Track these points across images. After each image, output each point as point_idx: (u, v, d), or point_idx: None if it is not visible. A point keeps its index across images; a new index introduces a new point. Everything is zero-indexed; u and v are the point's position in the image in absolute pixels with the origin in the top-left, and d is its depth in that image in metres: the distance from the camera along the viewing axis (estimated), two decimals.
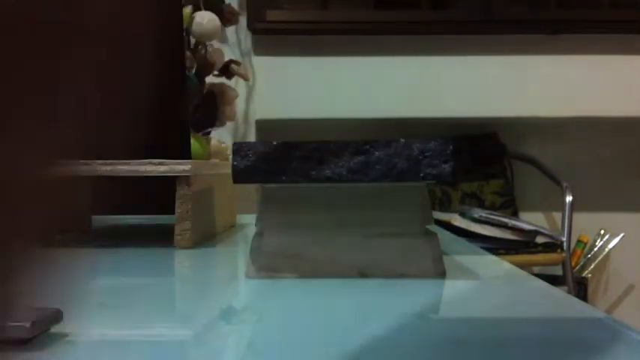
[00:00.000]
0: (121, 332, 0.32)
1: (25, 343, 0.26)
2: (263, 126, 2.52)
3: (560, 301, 0.43)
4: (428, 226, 0.48)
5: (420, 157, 0.45)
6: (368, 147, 0.45)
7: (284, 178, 0.45)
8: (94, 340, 0.30)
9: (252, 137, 2.51)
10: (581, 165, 2.42)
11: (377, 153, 0.45)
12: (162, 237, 0.72)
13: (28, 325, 0.26)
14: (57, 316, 0.28)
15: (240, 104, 2.19)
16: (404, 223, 0.47)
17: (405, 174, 0.45)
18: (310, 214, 0.47)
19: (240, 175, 0.45)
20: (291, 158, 0.45)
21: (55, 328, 0.29)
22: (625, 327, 0.32)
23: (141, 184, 0.95)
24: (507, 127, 2.42)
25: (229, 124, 2.23)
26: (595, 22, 2.41)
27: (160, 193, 1.13)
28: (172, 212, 0.98)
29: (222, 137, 2.09)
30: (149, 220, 0.89)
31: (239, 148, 0.46)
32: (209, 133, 1.85)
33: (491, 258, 0.58)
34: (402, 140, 0.45)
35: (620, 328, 0.32)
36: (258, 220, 0.47)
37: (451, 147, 0.45)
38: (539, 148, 2.42)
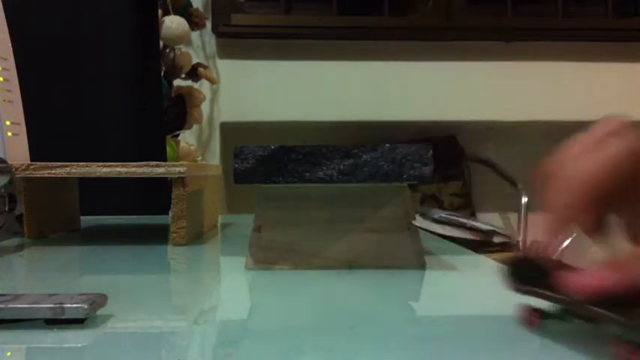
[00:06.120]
0: (155, 317, 0.36)
1: (81, 322, 0.30)
2: (227, 128, 2.55)
3: None
4: (410, 223, 0.52)
5: (403, 161, 0.50)
6: (356, 151, 0.50)
7: (281, 179, 0.50)
8: (138, 322, 0.34)
9: (216, 140, 2.53)
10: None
11: (364, 156, 0.50)
12: (153, 235, 0.75)
13: (86, 306, 0.30)
14: (104, 300, 0.32)
15: (204, 107, 2.21)
16: (388, 220, 0.52)
17: (389, 175, 0.50)
18: (304, 212, 0.51)
19: (241, 177, 0.50)
20: (287, 161, 0.50)
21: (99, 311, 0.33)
22: None
23: (117, 186, 0.97)
24: (465, 130, 2.50)
25: (194, 127, 2.25)
26: (548, 31, 2.52)
27: (137, 195, 1.16)
28: (153, 213, 1.01)
29: (186, 140, 2.12)
30: (129, 221, 0.93)
31: (240, 152, 0.50)
32: (177, 135, 1.87)
33: (463, 251, 0.64)
34: (387, 145, 0.50)
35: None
36: (256, 217, 0.51)
37: (431, 151, 0.51)
38: (495, 151, 2.50)
